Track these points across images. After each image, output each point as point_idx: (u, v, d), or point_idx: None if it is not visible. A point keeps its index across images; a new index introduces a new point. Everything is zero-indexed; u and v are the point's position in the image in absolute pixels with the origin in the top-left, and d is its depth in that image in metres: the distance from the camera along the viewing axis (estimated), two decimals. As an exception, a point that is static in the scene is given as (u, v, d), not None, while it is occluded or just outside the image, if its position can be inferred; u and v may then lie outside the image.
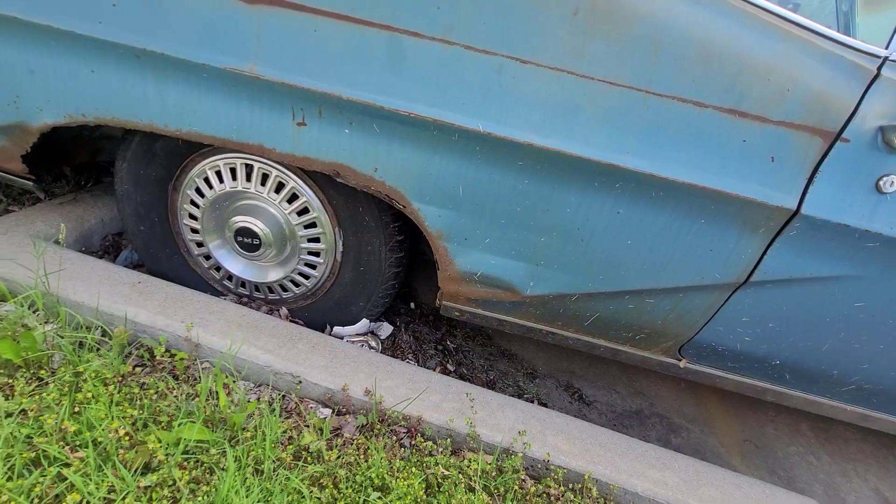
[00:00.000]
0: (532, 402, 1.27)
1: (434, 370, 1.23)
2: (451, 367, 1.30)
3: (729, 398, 1.45)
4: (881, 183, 0.74)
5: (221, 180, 0.98)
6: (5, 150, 0.95)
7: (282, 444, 0.82)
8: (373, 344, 1.14)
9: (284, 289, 1.11)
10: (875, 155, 0.74)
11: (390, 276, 1.06)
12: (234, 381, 0.90)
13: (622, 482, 0.90)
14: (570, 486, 0.89)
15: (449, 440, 0.91)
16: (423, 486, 0.77)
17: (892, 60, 0.73)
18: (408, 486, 0.75)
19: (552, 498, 0.83)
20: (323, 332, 1.12)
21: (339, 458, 0.80)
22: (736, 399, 1.45)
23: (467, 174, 0.82)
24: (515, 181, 0.82)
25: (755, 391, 1.09)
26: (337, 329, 1.11)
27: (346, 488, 0.75)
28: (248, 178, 0.98)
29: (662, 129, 0.75)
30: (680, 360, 1.05)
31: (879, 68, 0.73)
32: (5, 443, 0.67)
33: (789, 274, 0.83)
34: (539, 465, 0.89)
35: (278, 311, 1.13)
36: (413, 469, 0.79)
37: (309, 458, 0.80)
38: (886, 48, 0.74)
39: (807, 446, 1.37)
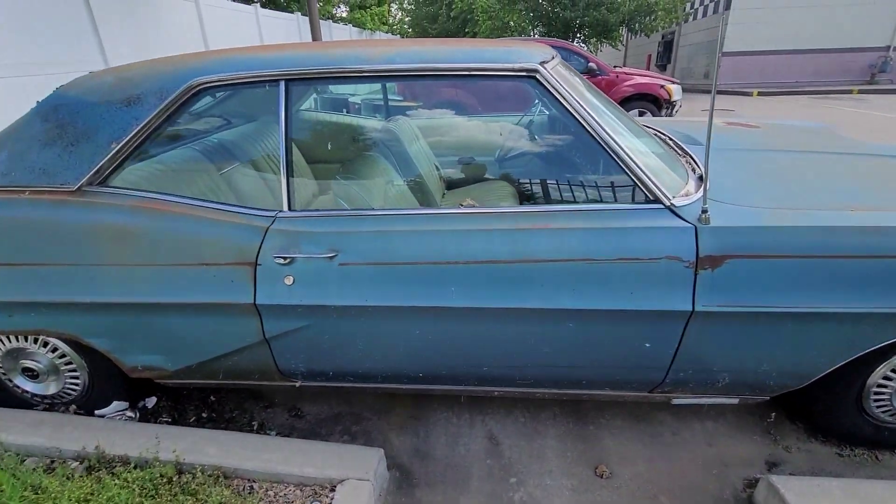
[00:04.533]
0: (255, 425, 1.94)
1: (189, 420, 1.92)
2: (205, 415, 1.98)
3: (409, 395, 2.10)
4: (286, 280, 1.44)
5: (7, 342, 1.71)
6: None
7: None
8: (129, 414, 1.84)
9: (67, 395, 1.82)
10: (277, 269, 1.44)
11: (118, 375, 1.76)
12: (20, 458, 1.60)
13: (242, 465, 1.56)
14: (207, 473, 1.55)
15: (135, 463, 1.58)
16: (97, 486, 1.45)
17: (277, 218, 1.45)
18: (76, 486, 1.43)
19: (184, 484, 1.50)
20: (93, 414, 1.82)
21: (65, 484, 1.49)
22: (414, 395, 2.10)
23: (100, 320, 1.53)
24: (132, 317, 1.52)
25: (354, 389, 1.75)
26: (97, 412, 1.81)
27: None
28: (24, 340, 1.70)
29: (194, 279, 1.45)
30: (296, 382, 1.72)
31: (271, 224, 1.44)
32: None
33: (285, 329, 1.51)
34: (186, 466, 1.56)
35: (68, 409, 1.83)
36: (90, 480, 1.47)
37: (46, 485, 1.48)
38: (274, 213, 1.45)
39: (457, 412, 2.01)
